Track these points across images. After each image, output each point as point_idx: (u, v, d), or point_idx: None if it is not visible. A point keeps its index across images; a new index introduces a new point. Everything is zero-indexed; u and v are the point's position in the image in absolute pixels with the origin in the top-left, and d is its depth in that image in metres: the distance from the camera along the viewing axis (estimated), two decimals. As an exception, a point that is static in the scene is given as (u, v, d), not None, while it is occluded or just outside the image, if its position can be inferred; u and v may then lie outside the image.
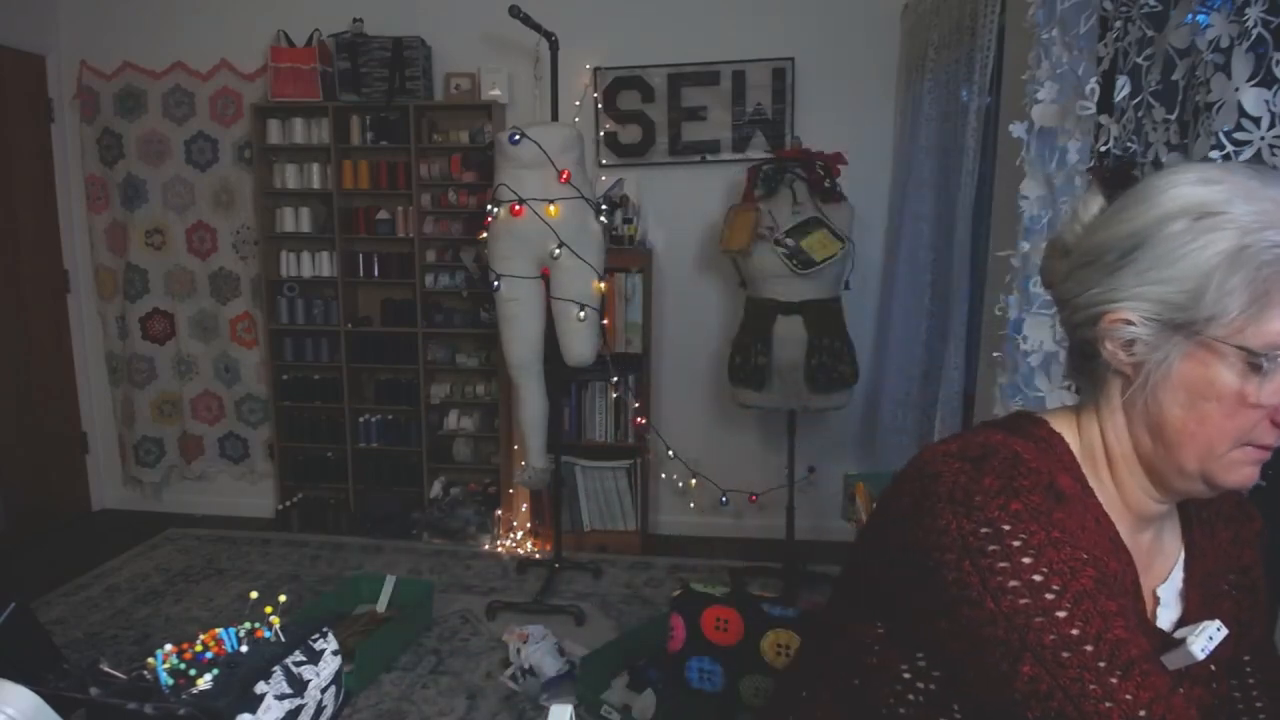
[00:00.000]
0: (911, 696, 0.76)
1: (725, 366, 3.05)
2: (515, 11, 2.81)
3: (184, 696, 0.85)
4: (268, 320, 3.67)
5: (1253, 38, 1.03)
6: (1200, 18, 1.14)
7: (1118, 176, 0.79)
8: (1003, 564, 0.66)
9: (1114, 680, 0.63)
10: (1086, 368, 0.79)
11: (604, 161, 3.51)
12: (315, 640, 1.00)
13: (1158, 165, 1.21)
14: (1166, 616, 0.81)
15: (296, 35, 3.46)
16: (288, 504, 3.80)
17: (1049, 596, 0.65)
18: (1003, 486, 0.68)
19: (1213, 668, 0.79)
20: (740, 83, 3.39)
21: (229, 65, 3.60)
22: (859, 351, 2.97)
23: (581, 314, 2.75)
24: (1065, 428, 0.79)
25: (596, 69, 3.45)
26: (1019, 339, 1.58)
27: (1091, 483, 0.77)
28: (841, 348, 2.88)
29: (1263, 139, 1.02)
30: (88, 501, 4.01)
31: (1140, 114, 1.29)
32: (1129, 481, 0.77)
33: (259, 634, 0.97)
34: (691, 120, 3.45)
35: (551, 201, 2.67)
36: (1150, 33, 1.27)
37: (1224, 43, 1.07)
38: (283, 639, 0.97)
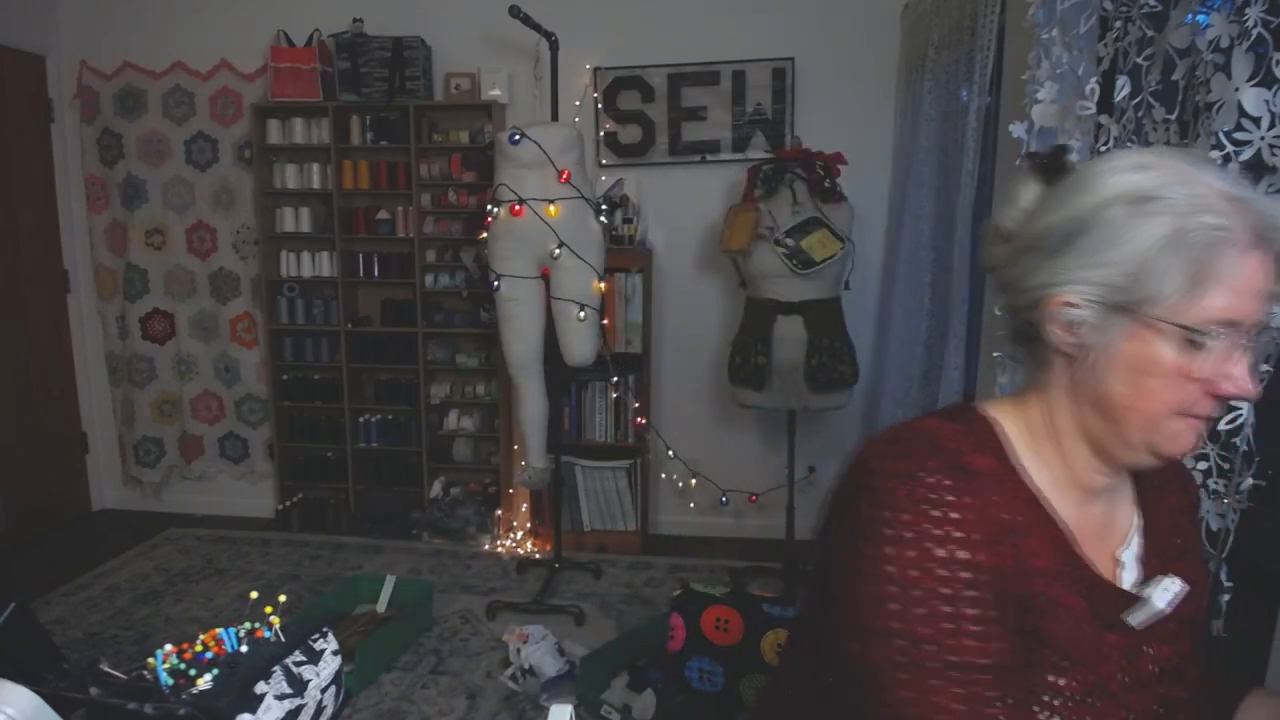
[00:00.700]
0: None
1: (725, 366, 3.05)
2: (515, 11, 2.80)
3: (184, 696, 0.85)
4: (268, 320, 3.67)
5: (1253, 38, 1.03)
6: (1200, 18, 1.14)
7: (1053, 163, 0.82)
8: (889, 549, 0.71)
9: (934, 683, 0.69)
10: (1030, 349, 0.82)
11: (604, 161, 3.51)
12: (315, 640, 1.00)
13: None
14: (1128, 579, 0.83)
15: (296, 35, 3.46)
16: (288, 504, 3.80)
17: (915, 593, 0.70)
18: (912, 470, 0.73)
19: (1174, 627, 0.82)
20: (740, 83, 3.39)
21: (229, 65, 3.60)
22: (859, 351, 2.97)
23: (581, 314, 2.75)
24: (1003, 413, 0.83)
25: (596, 69, 3.45)
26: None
27: (1029, 461, 0.80)
28: (841, 348, 2.88)
29: (1263, 139, 1.02)
30: (88, 501, 4.01)
31: (1140, 114, 1.29)
32: (1076, 458, 0.80)
33: (259, 634, 0.97)
34: (691, 120, 3.45)
35: (551, 201, 2.67)
36: (1150, 33, 1.27)
37: (1224, 43, 1.07)
38: (283, 639, 0.97)
